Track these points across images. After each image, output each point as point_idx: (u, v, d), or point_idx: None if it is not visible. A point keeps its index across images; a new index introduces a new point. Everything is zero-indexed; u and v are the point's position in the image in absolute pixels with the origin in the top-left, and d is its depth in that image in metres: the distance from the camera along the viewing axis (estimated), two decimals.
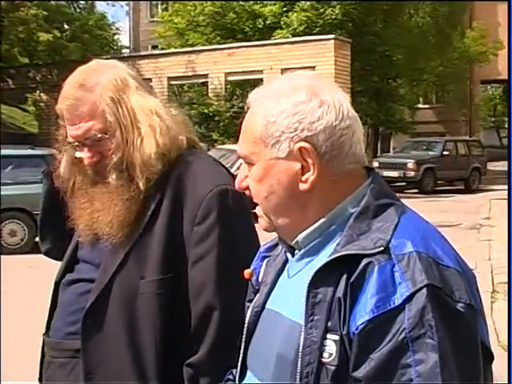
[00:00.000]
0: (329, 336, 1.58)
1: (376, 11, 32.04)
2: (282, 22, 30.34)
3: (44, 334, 2.51)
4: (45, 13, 25.48)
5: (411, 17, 36.72)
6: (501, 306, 9.03)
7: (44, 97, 29.10)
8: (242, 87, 28.86)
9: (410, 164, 27.29)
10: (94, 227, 2.34)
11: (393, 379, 1.49)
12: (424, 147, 29.85)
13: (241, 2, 31.92)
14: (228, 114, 26.96)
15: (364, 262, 1.57)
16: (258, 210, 1.80)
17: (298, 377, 1.61)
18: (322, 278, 1.61)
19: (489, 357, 1.61)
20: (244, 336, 1.88)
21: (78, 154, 2.38)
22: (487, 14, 42.33)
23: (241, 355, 1.91)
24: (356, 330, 1.54)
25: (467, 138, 35.07)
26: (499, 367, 4.79)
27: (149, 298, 2.22)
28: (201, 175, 2.33)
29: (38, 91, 29.83)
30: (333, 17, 29.35)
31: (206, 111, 27.21)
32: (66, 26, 29.20)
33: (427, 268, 1.53)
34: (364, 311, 1.53)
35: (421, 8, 38.10)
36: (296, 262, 1.76)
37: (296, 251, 1.77)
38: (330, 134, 1.67)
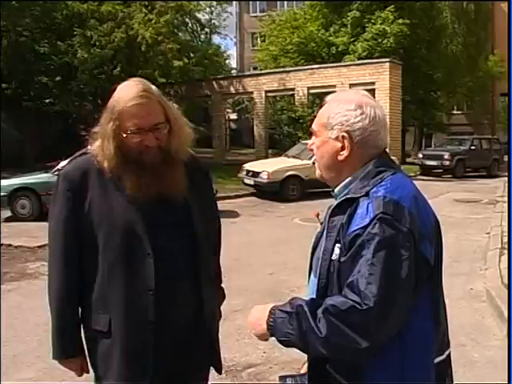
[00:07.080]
0: (336, 245, 1.86)
1: (421, 41, 31.63)
2: (349, 49, 30.08)
3: None
4: (178, 46, 25.44)
5: (447, 45, 36.02)
6: (507, 259, 8.88)
7: (175, 106, 29.15)
8: (320, 98, 28.72)
9: (446, 155, 26.76)
10: None
11: (357, 264, 1.77)
12: (457, 143, 29.24)
13: (319, 34, 32.01)
14: (309, 118, 26.73)
15: (356, 202, 1.86)
16: (317, 164, 2.07)
17: (320, 266, 1.92)
18: (336, 212, 1.92)
19: (428, 267, 1.84)
20: (311, 255, 2.13)
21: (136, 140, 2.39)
22: (505, 43, 41.21)
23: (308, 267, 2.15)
24: (346, 237, 1.83)
25: (489, 136, 34.07)
26: (500, 368, 4.81)
27: None
28: None
29: (171, 102, 29.94)
30: (388, 45, 29.10)
31: (293, 116, 27.05)
32: (192, 55, 29.51)
33: (387, 205, 1.79)
34: (352, 227, 1.82)
35: (455, 38, 37.58)
36: None
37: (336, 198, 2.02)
38: (362, 132, 1.94)
